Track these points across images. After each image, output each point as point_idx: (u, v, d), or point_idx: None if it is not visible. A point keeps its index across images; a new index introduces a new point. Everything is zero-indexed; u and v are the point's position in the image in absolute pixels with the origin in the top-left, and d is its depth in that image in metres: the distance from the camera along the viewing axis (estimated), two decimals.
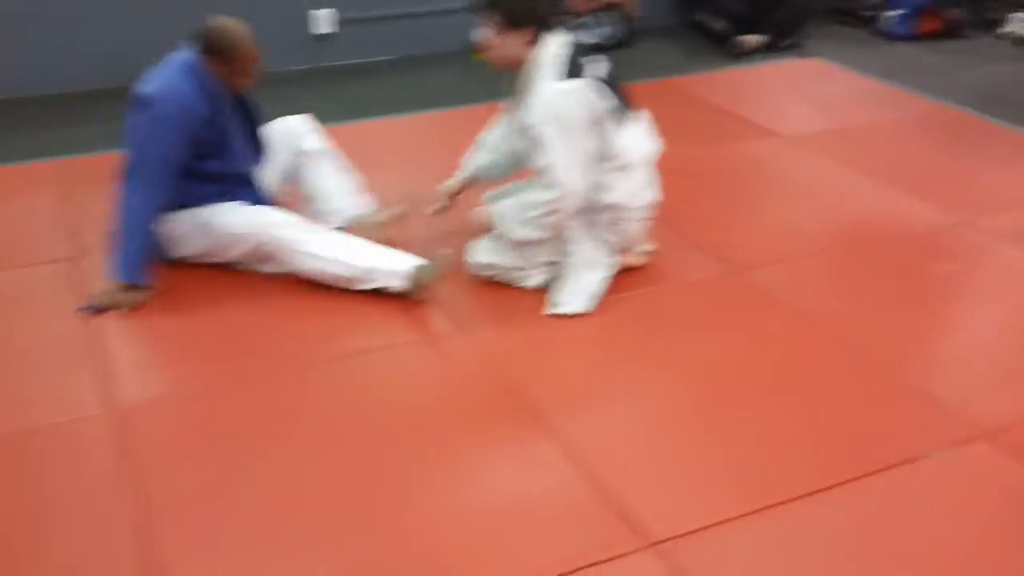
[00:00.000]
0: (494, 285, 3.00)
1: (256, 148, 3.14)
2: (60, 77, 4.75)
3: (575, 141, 2.75)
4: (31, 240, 3.33)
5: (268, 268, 3.02)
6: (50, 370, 2.64)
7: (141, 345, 2.79)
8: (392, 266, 2.91)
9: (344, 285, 2.94)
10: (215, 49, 2.85)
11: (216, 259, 3.05)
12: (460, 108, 4.45)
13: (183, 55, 2.90)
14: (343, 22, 5.22)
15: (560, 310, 2.88)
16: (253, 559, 2.02)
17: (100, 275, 2.99)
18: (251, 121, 3.10)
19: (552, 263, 2.96)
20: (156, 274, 2.95)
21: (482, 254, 3.03)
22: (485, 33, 2.82)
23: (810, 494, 2.19)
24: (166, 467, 2.28)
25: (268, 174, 3.18)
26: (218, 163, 2.97)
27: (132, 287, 2.89)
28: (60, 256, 3.20)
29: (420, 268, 2.89)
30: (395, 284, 2.90)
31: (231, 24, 2.87)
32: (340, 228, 3.16)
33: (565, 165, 2.76)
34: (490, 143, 3.18)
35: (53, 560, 2.03)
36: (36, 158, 4.00)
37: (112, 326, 2.81)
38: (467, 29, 5.45)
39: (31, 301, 2.96)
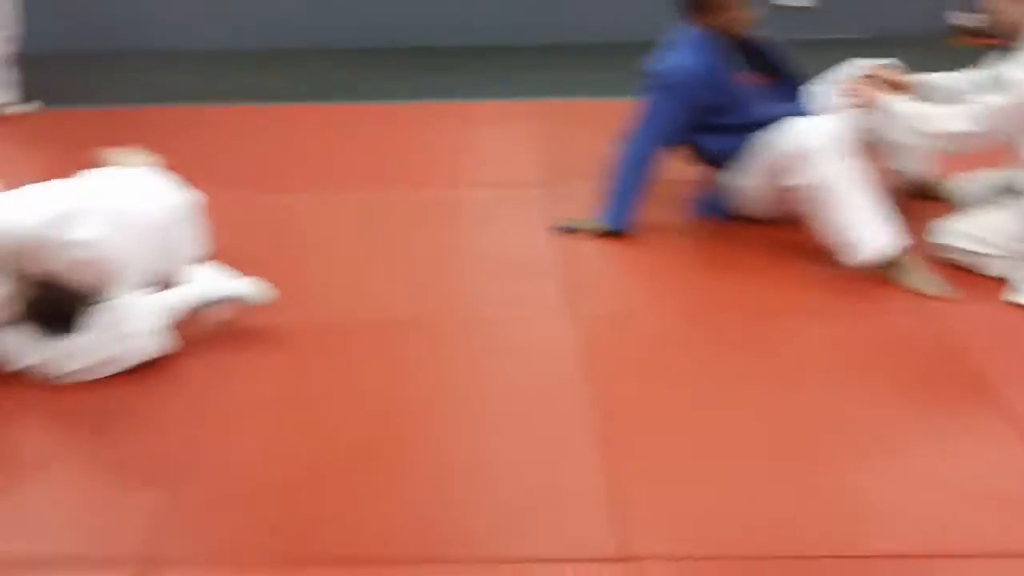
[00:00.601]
0: (955, 268, 2.87)
1: (789, 89, 3.15)
2: (588, 28, 5.32)
3: None
4: (515, 165, 3.74)
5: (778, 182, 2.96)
6: (519, 275, 2.95)
7: (601, 266, 3.03)
8: (870, 239, 2.81)
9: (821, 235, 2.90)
10: (695, 5, 2.97)
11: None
12: None
13: (688, 29, 3.04)
14: None
15: (1019, 298, 2.71)
16: (693, 470, 2.13)
17: (570, 201, 3.29)
18: (773, 65, 3.14)
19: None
20: (636, 225, 3.12)
21: (946, 236, 2.91)
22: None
23: None
24: (619, 378, 2.47)
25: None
26: (733, 117, 3.05)
27: (614, 233, 3.09)
28: (537, 181, 3.56)
29: (909, 275, 2.80)
30: (866, 258, 2.83)
31: None
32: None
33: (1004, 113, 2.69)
34: (952, 76, 3.03)
35: (513, 439, 2.26)
36: (532, 96, 4.51)
37: (577, 247, 3.08)
38: (942, 11, 5.20)
39: (508, 216, 3.32)
